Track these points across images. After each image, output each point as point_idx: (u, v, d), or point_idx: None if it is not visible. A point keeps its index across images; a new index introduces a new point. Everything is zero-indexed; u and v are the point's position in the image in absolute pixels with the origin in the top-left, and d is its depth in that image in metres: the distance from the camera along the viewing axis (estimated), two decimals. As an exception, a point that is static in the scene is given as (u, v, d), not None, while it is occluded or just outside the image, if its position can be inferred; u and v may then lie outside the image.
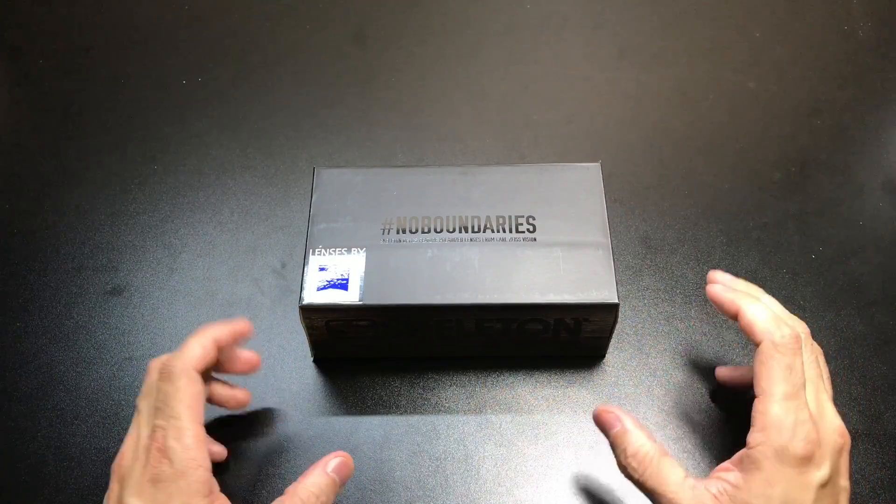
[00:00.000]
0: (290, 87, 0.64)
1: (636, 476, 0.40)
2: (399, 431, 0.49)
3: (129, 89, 0.64)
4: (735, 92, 0.64)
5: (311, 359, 0.52)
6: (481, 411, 0.50)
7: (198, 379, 0.40)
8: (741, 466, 0.38)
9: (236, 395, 0.47)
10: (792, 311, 0.54)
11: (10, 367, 0.52)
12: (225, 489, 0.46)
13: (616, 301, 0.45)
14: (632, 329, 0.53)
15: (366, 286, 0.46)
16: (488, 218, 0.48)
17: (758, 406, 0.39)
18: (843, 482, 0.39)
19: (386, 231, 0.48)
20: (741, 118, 0.63)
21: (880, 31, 0.66)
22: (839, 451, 0.38)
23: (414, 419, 0.50)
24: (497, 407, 0.50)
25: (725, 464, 0.40)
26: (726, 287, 0.44)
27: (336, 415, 0.51)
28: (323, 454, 0.49)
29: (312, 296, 0.46)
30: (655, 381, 0.51)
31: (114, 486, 0.40)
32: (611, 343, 0.51)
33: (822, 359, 0.43)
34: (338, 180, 0.50)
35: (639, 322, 0.54)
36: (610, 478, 0.47)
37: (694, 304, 0.55)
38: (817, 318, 0.54)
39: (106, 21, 0.67)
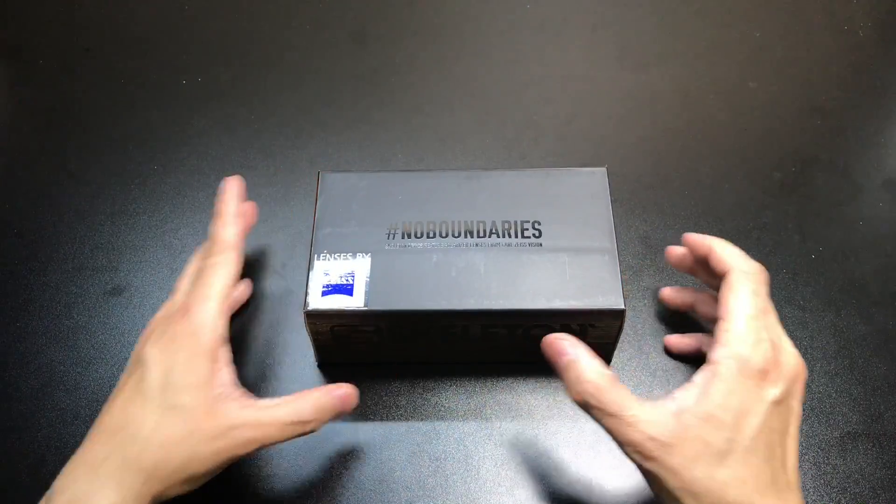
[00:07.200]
0: (290, 87, 0.64)
1: (593, 402, 0.39)
2: (399, 432, 0.49)
3: (129, 89, 0.64)
4: (735, 92, 0.64)
5: (316, 364, 0.52)
6: (481, 412, 0.50)
7: (234, 260, 0.44)
8: (702, 382, 0.39)
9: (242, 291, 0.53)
10: (792, 311, 0.54)
11: (10, 367, 0.52)
12: (224, 487, 0.46)
13: (622, 307, 0.45)
14: (632, 329, 0.53)
15: (371, 291, 0.45)
16: (493, 223, 0.48)
17: (722, 325, 0.41)
18: (796, 405, 0.40)
19: (391, 236, 0.47)
20: (741, 118, 0.63)
21: (880, 31, 0.66)
22: (794, 378, 0.40)
23: (414, 420, 0.50)
24: (497, 408, 0.50)
25: (683, 386, 0.40)
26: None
27: (336, 415, 0.51)
28: (323, 454, 0.49)
29: (317, 301, 0.45)
30: (655, 382, 0.51)
31: (140, 339, 0.44)
32: (611, 343, 0.51)
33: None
34: (342, 185, 0.50)
35: (639, 322, 0.54)
36: (610, 479, 0.47)
37: (694, 304, 0.55)
38: (817, 318, 0.54)
39: (106, 21, 0.67)
